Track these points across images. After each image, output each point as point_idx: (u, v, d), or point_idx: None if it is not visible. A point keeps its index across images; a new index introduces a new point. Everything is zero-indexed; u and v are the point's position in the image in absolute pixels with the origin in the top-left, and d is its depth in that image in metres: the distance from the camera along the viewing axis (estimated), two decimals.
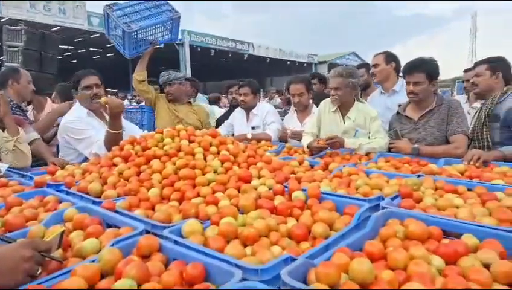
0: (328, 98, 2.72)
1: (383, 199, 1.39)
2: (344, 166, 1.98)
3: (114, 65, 22.27)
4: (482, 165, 1.93)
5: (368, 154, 2.39)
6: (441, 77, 2.59)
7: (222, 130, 3.45)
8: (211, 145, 1.96)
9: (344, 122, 2.65)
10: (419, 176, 1.74)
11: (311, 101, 3.23)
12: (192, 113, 3.50)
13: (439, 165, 1.98)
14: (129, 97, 11.63)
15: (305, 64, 29.12)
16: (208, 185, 1.61)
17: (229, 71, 25.79)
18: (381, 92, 3.21)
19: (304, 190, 1.46)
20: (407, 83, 2.39)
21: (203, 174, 1.70)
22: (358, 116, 2.61)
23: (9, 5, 12.54)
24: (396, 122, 2.55)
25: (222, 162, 1.82)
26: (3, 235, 1.05)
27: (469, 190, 1.51)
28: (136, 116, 4.21)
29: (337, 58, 30.68)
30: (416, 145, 2.31)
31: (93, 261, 0.93)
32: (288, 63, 27.14)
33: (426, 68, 2.33)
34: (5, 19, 13.16)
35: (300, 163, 2.11)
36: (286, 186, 1.53)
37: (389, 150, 2.46)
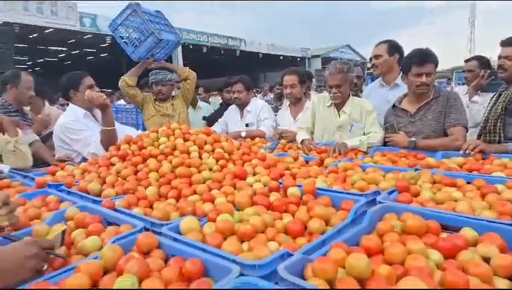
0: (323, 93, 2.73)
1: (380, 193, 1.40)
2: (339, 161, 2.00)
3: (108, 66, 22.14)
4: (480, 156, 1.91)
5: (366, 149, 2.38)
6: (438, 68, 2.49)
7: (216, 128, 3.46)
8: (205, 144, 1.98)
9: (339, 117, 2.65)
10: (416, 169, 1.73)
11: (304, 95, 3.24)
12: (173, 109, 3.51)
13: (437, 159, 1.96)
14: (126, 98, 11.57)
15: (298, 59, 29.10)
16: (204, 182, 1.63)
17: (222, 68, 25.71)
18: (382, 85, 3.06)
19: (299, 186, 1.48)
20: (418, 75, 2.28)
21: (199, 172, 1.72)
22: (353, 110, 2.60)
23: (4, 9, 12.37)
24: (392, 116, 2.52)
25: (217, 160, 1.84)
26: (9, 234, 1.07)
27: (468, 183, 1.48)
28: (132, 115, 4.22)
29: (331, 52, 30.63)
30: (413, 139, 2.29)
31: (95, 258, 0.95)
32: (281, 58, 27.11)
33: (434, 58, 2.28)
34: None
35: (295, 159, 2.14)
36: (281, 183, 1.55)
37: (385, 144, 2.46)
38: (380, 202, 1.26)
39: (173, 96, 3.59)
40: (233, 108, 3.58)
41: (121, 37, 3.20)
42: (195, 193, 1.53)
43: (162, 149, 1.90)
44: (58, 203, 1.52)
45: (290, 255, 0.93)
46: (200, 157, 1.87)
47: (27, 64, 25.82)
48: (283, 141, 2.75)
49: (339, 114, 2.67)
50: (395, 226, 1.07)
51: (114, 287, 0.80)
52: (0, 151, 2.24)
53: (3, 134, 2.28)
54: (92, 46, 20.85)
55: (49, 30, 15.23)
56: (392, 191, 1.44)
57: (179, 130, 2.09)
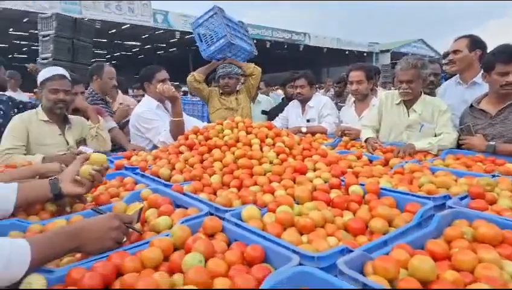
0: (391, 90, 2.62)
1: (450, 198, 1.32)
2: (406, 162, 1.91)
3: (176, 60, 23.44)
4: None
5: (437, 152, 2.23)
6: None
7: (277, 123, 3.50)
8: (266, 137, 2.02)
9: (408, 116, 2.51)
10: (494, 175, 1.60)
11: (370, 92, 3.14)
12: (237, 103, 3.65)
13: None
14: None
15: (365, 54, 27.96)
16: (264, 174, 1.68)
17: (284, 62, 25.71)
18: (458, 83, 2.83)
19: (361, 185, 1.45)
20: (503, 74, 2.08)
21: (260, 164, 1.76)
22: (425, 109, 2.44)
23: (88, 7, 13.76)
24: (469, 117, 2.31)
25: (277, 154, 1.87)
26: (96, 207, 1.22)
27: None
28: (198, 108, 4.44)
29: (402, 46, 28.87)
30: (492, 142, 2.09)
31: (166, 236, 1.04)
32: (347, 52, 26.27)
33: None
34: (85, 19, 14.50)
35: (358, 158, 2.09)
36: (343, 180, 1.54)
37: (459, 146, 2.28)
38: (450, 207, 1.20)
39: (238, 90, 3.72)
40: (294, 103, 3.59)
41: (198, 34, 3.44)
42: (255, 183, 1.58)
43: (226, 140, 1.99)
44: (134, 184, 1.68)
45: (349, 251, 0.93)
46: (261, 150, 1.92)
47: (105, 58, 28.34)
48: (346, 139, 2.69)
49: (408, 113, 2.53)
50: (465, 233, 1.00)
51: (183, 263, 0.87)
52: (85, 135, 2.53)
53: (88, 120, 2.58)
54: (162, 41, 22.20)
55: (126, 26, 16.57)
56: (464, 197, 1.35)
57: (242, 123, 2.16)
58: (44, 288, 0.85)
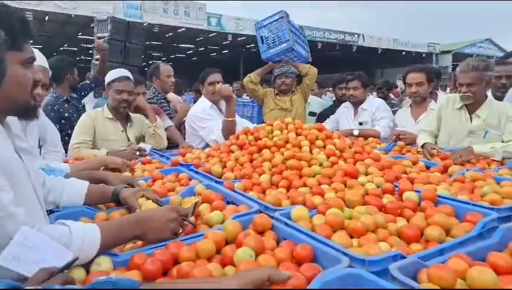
0: (452, 94, 2.47)
1: None
2: (467, 170, 1.79)
3: (227, 61, 24.03)
4: None
5: (502, 159, 2.07)
6: None
7: (327, 125, 3.45)
8: (317, 139, 2.01)
9: (471, 121, 2.35)
10: None
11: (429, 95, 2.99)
12: (291, 104, 3.66)
13: None
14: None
15: (423, 55, 26.44)
16: (314, 176, 1.67)
17: (336, 64, 25.19)
18: None
19: (417, 191, 1.40)
20: None
21: (309, 166, 1.76)
22: (490, 114, 2.27)
23: (149, 11, 14.64)
24: None
25: (328, 156, 1.84)
26: (157, 200, 1.31)
27: None
28: (248, 109, 4.52)
29: (466, 47, 26.85)
30: None
31: (218, 230, 1.09)
32: (404, 53, 25.03)
33: None
34: (145, 24, 15.43)
35: (414, 163, 2.00)
36: (396, 186, 1.49)
37: None
38: None
39: (293, 91, 3.75)
40: (346, 105, 3.51)
41: (261, 36, 3.60)
42: (305, 185, 1.58)
43: (276, 141, 2.01)
44: (188, 180, 1.76)
45: (402, 257, 0.90)
46: (311, 152, 1.92)
47: (162, 60, 29.87)
48: (400, 143, 2.58)
49: (471, 118, 2.36)
50: None
51: (235, 256, 0.91)
52: (144, 132, 2.71)
53: (147, 119, 2.75)
54: (215, 44, 22.85)
55: (181, 29, 17.30)
56: None
57: (292, 124, 2.17)
58: (111, 270, 0.93)
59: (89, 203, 1.38)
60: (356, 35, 22.76)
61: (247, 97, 6.04)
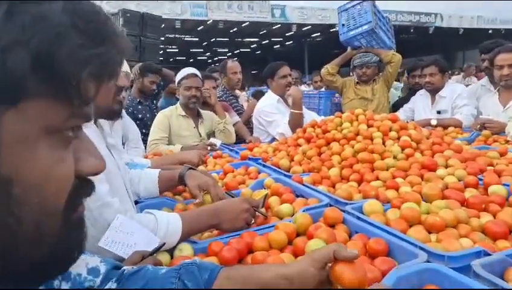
0: None
1: None
2: None
3: (291, 52, 23.85)
4: None
5: None
6: None
7: (400, 114, 3.26)
8: (390, 130, 1.93)
9: None
10: None
11: None
12: (373, 93, 3.56)
13: None
14: (308, 82, 12.18)
15: None
16: (387, 170, 1.61)
17: (409, 48, 23.44)
18: None
19: (505, 185, 1.28)
20: None
21: (382, 159, 1.70)
22: None
23: (214, 8, 15.19)
24: None
25: (402, 148, 1.76)
26: (230, 192, 1.40)
27: None
28: (314, 101, 4.47)
29: None
30: None
31: (289, 222, 1.13)
32: (490, 31, 22.32)
33: None
34: (210, 21, 16.06)
35: (502, 154, 1.80)
36: (481, 179, 1.37)
37: None
38: None
39: (374, 79, 3.64)
40: (422, 93, 3.28)
41: (341, 18, 3.64)
42: (377, 179, 1.54)
43: (345, 134, 1.97)
44: (257, 173, 1.82)
45: (487, 254, 0.85)
46: (384, 144, 1.85)
47: (226, 56, 30.71)
48: (486, 132, 2.34)
49: None
50: None
51: (307, 247, 0.94)
52: (214, 128, 2.85)
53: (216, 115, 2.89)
54: (279, 36, 22.80)
55: (245, 24, 17.59)
56: None
57: (363, 115, 2.10)
58: (192, 255, 1.03)
59: (163, 188, 1.50)
60: (433, 16, 20.87)
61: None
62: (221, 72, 3.73)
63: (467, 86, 4.01)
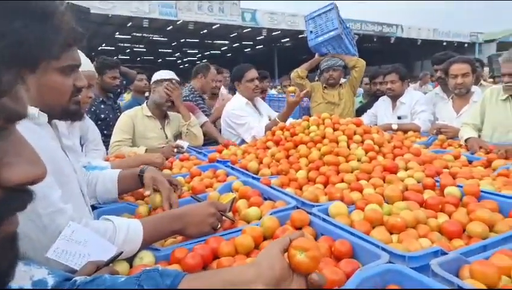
0: (495, 86, 2.36)
1: None
2: None
3: (262, 56, 24.02)
4: None
5: None
6: None
7: (364, 119, 3.38)
8: (354, 134, 1.99)
9: None
10: None
11: (474, 86, 2.86)
12: (340, 98, 3.67)
13: None
14: (277, 86, 12.28)
15: (466, 45, 25.05)
16: (352, 172, 1.66)
17: (372, 57, 24.37)
18: None
19: (459, 187, 1.35)
20: None
21: (347, 162, 1.75)
22: None
23: (183, 9, 14.98)
24: None
25: (366, 151, 1.82)
26: (195, 195, 1.37)
27: None
28: (283, 104, 4.51)
29: (511, 35, 25.16)
30: None
31: (256, 225, 1.13)
32: (445, 44, 23.84)
33: None
34: (179, 21, 15.81)
35: (456, 158, 1.92)
36: (437, 181, 1.45)
37: None
38: None
39: (341, 84, 3.76)
40: (384, 99, 3.43)
41: (309, 26, 3.74)
42: (342, 181, 1.58)
43: (312, 137, 2.01)
44: (225, 176, 1.81)
45: (444, 253, 0.89)
46: (349, 147, 1.90)
47: (197, 57, 30.38)
48: (442, 137, 2.48)
49: None
50: None
51: None
52: (181, 130, 2.79)
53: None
54: (249, 39, 22.91)
55: (216, 26, 17.51)
56: None
57: (329, 119, 2.15)
58: (153, 264, 0.99)
59: (123, 189, 1.43)
60: (395, 26, 21.91)
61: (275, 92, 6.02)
62: (200, 72, 3.66)
63: (424, 93, 4.23)
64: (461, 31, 25.33)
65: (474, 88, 2.89)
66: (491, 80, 6.11)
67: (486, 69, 5.29)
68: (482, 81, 3.77)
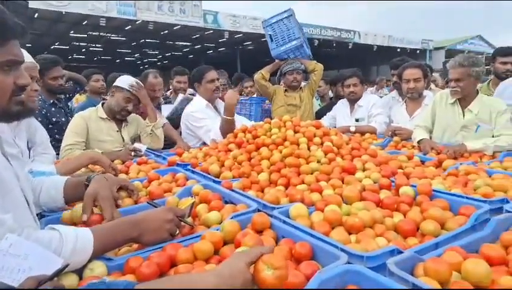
0: (445, 90, 2.51)
1: (508, 202, 1.25)
2: (461, 164, 1.82)
3: (224, 59, 23.92)
4: None
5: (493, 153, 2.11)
6: None
7: (324, 122, 3.47)
8: (314, 136, 2.02)
9: (464, 116, 2.40)
10: None
11: (425, 91, 3.03)
12: (300, 100, 3.78)
13: None
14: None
15: (418, 51, 26.63)
16: (312, 173, 1.68)
17: (332, 61, 25.21)
18: None
19: (413, 186, 1.41)
20: None
21: (307, 163, 1.77)
22: (482, 109, 2.32)
23: (143, 9, 14.57)
24: None
25: (325, 153, 1.86)
26: (152, 201, 1.31)
27: None
28: (245, 106, 4.52)
29: (458, 43, 27.16)
30: None
31: (217, 230, 1.10)
32: (399, 50, 25.16)
33: None
34: (139, 21, 15.33)
35: (410, 158, 2.02)
36: (393, 181, 1.50)
37: None
38: (507, 211, 1.15)
39: (301, 87, 3.86)
40: (343, 102, 3.54)
41: (269, 34, 3.77)
42: (303, 182, 1.59)
43: (274, 139, 2.02)
44: (185, 180, 1.75)
45: (399, 252, 0.92)
46: (309, 149, 1.92)
47: (157, 58, 29.61)
48: (396, 139, 2.60)
49: (464, 113, 2.41)
50: None
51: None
52: (140, 132, 2.69)
53: (145, 119, 2.73)
54: (212, 41, 22.69)
55: (177, 27, 17.18)
56: None
57: (290, 122, 2.17)
58: (105, 275, 0.92)
59: (69, 197, 1.33)
60: (352, 33, 22.77)
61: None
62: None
63: (380, 97, 4.43)
64: (414, 38, 26.88)
65: (426, 92, 3.07)
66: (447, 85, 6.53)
67: (435, 74, 5.63)
68: (432, 86, 4.00)
